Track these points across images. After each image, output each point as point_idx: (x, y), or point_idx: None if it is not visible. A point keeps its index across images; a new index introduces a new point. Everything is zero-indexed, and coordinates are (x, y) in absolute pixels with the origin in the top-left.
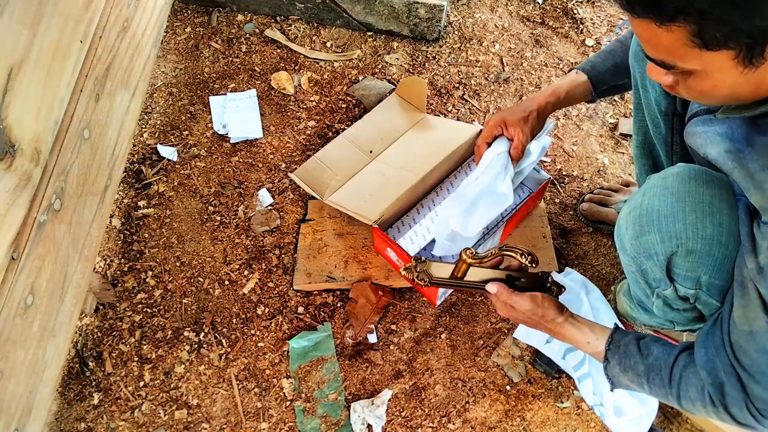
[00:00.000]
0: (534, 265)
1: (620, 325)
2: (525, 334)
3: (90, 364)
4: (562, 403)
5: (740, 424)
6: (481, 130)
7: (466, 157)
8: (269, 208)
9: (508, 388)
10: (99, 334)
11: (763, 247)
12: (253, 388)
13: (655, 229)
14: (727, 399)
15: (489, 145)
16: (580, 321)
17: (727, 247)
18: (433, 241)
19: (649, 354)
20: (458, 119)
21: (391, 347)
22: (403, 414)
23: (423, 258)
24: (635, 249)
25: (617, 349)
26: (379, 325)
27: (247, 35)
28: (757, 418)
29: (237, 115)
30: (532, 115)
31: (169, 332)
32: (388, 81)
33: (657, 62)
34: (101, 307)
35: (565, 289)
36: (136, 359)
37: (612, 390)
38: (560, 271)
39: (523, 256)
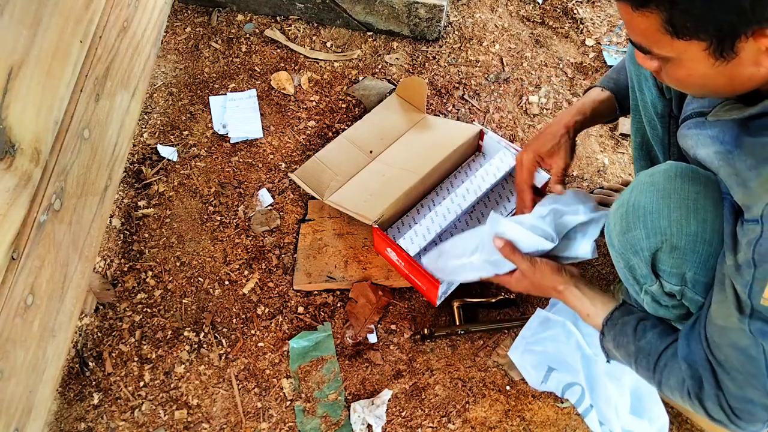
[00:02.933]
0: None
1: (628, 301)
2: (525, 371)
3: (90, 364)
4: (562, 403)
5: (713, 420)
6: (480, 131)
7: (466, 157)
8: (269, 208)
9: (508, 388)
10: (99, 334)
11: (743, 245)
12: (253, 388)
13: (640, 225)
14: (703, 393)
15: (534, 189)
16: (583, 291)
17: (711, 244)
18: (433, 242)
19: (642, 338)
20: (458, 119)
21: (391, 347)
22: (403, 414)
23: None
24: (622, 245)
25: (614, 327)
26: (379, 325)
27: (247, 35)
28: (729, 416)
29: (237, 115)
30: (564, 139)
31: (169, 332)
32: (388, 81)
33: (637, 47)
34: (101, 307)
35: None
36: (136, 359)
37: (608, 362)
38: None
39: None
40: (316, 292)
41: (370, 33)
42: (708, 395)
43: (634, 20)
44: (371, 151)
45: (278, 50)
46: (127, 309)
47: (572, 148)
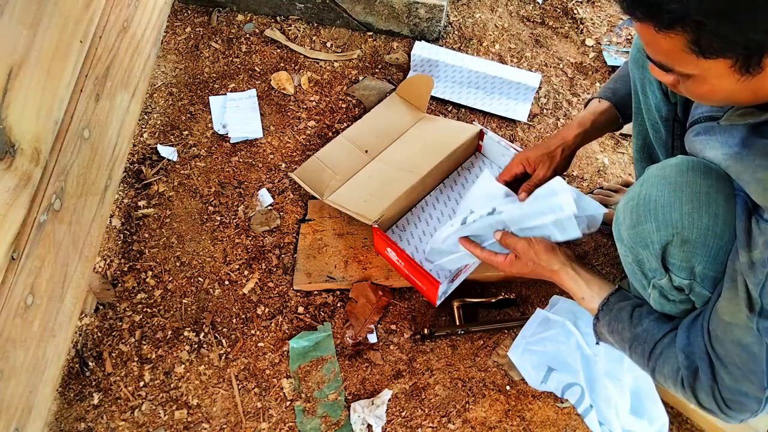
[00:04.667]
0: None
1: (624, 288)
2: (525, 371)
3: (90, 364)
4: (562, 403)
5: (704, 408)
6: (480, 131)
7: (466, 156)
8: (269, 208)
9: (508, 388)
10: (99, 334)
11: (759, 243)
12: (253, 388)
13: (651, 218)
14: (697, 384)
15: (507, 183)
16: (579, 273)
17: (722, 238)
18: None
19: (639, 324)
20: (458, 119)
21: (391, 347)
22: (403, 414)
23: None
24: (632, 239)
25: (609, 312)
26: (379, 325)
27: (247, 35)
28: (720, 407)
29: (237, 115)
30: (557, 151)
31: (169, 332)
32: (388, 81)
33: (657, 64)
34: (101, 307)
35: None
36: (136, 359)
37: (597, 343)
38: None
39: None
40: (316, 292)
41: (370, 33)
42: (702, 386)
43: (656, 41)
44: (366, 151)
45: (278, 50)
46: (127, 309)
47: (565, 161)
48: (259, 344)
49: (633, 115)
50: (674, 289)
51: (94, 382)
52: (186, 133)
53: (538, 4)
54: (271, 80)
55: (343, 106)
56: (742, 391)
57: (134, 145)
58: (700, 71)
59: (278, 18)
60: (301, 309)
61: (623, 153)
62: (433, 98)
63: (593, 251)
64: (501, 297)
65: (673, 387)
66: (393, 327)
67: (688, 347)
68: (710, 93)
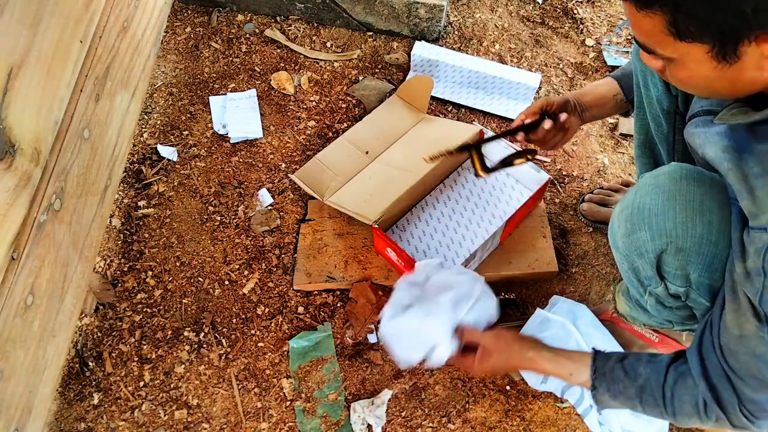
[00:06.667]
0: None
1: (629, 303)
2: (525, 371)
3: (90, 364)
4: (562, 403)
5: (735, 428)
6: (480, 131)
7: (467, 157)
8: (269, 208)
9: (508, 388)
10: (99, 334)
11: (751, 252)
12: (253, 388)
13: (645, 226)
14: (722, 402)
15: (527, 125)
16: (555, 352)
17: (716, 245)
18: (432, 241)
19: (638, 376)
20: (458, 119)
21: None
22: (403, 414)
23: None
24: (627, 247)
25: (603, 377)
26: (379, 325)
27: (247, 35)
28: (750, 419)
29: (237, 115)
30: (560, 97)
31: (169, 332)
32: (388, 81)
33: (641, 46)
34: (101, 307)
35: (536, 153)
36: (136, 359)
37: (599, 412)
38: (559, 271)
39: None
40: (316, 292)
41: (370, 33)
42: (728, 403)
43: (638, 20)
44: (367, 152)
45: (278, 50)
46: (127, 309)
47: (561, 104)
48: (259, 344)
49: (635, 109)
50: (670, 296)
51: (94, 382)
52: (186, 133)
53: (538, 4)
54: (271, 80)
55: (343, 106)
56: (762, 399)
57: (134, 145)
58: (678, 55)
59: (278, 18)
60: (301, 309)
61: (623, 153)
62: (433, 98)
63: (593, 251)
64: (501, 297)
65: (700, 421)
66: None
67: (704, 372)
68: (689, 78)
